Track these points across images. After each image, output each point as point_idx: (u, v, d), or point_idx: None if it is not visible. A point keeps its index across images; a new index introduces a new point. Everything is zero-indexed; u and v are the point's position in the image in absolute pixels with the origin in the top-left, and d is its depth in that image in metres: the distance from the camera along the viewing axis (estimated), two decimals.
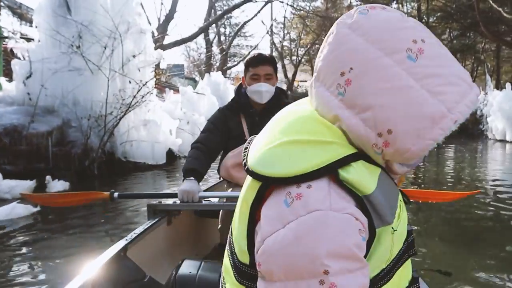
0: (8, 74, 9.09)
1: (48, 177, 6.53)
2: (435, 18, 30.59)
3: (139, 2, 9.27)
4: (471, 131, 22.96)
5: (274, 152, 0.73)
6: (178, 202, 2.25)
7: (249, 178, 0.79)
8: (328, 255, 0.65)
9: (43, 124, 7.39)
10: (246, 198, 0.77)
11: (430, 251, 3.85)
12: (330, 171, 0.69)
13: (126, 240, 1.92)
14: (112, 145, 8.37)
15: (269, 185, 0.72)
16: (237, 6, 23.84)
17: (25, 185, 6.13)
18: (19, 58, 8.76)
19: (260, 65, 2.37)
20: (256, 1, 23.60)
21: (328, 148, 0.71)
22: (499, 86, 25.77)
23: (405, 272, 0.85)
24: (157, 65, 11.28)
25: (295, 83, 30.95)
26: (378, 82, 0.69)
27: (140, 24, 8.97)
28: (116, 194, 2.42)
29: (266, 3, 24.96)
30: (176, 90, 13.56)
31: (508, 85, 18.70)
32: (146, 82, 8.44)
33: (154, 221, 2.21)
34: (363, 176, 0.70)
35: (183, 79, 25.32)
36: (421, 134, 0.69)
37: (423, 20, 30.13)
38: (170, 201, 2.33)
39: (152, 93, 8.81)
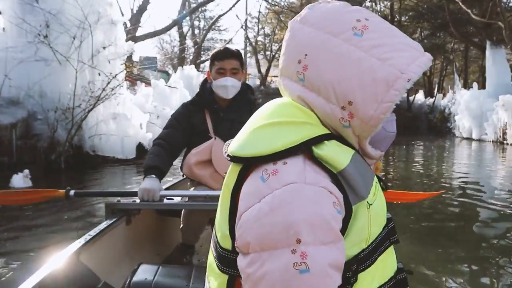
0: None
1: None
2: (407, 18, 31.16)
3: None
4: (439, 128, 23.61)
5: (253, 135, 0.78)
6: (138, 201, 2.16)
7: (231, 166, 0.83)
8: (302, 224, 0.67)
9: (6, 116, 7.11)
10: (228, 184, 0.81)
11: (396, 250, 3.91)
12: (304, 149, 0.74)
13: (80, 242, 1.80)
14: (80, 139, 8.15)
15: (249, 167, 0.76)
16: None
17: None
18: None
19: (226, 59, 2.30)
20: None
21: (303, 128, 0.76)
22: (467, 86, 26.54)
23: (389, 260, 0.87)
24: (129, 57, 11.04)
25: (269, 78, 30.91)
26: (330, 61, 0.75)
27: (111, 15, 8.73)
28: (72, 192, 2.30)
29: None
30: (148, 83, 13.34)
31: (475, 84, 19.27)
32: (116, 75, 8.24)
33: (111, 221, 2.10)
34: (336, 153, 0.75)
35: (155, 72, 24.93)
36: (379, 98, 0.73)
37: (396, 19, 30.68)
38: (129, 199, 2.23)
39: (122, 86, 8.61)
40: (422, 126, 28.43)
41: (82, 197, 2.34)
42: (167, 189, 2.72)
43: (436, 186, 7.45)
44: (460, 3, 19.54)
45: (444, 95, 28.21)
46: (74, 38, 7.87)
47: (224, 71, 2.29)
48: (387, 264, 0.86)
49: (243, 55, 2.49)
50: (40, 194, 2.41)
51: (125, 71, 9.14)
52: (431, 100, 30.16)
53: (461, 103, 18.62)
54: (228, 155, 0.80)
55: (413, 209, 5.65)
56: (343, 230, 0.73)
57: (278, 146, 0.73)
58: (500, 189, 6.91)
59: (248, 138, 0.78)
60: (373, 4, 31.84)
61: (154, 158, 2.25)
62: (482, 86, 20.36)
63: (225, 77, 2.28)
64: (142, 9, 19.33)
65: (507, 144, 14.93)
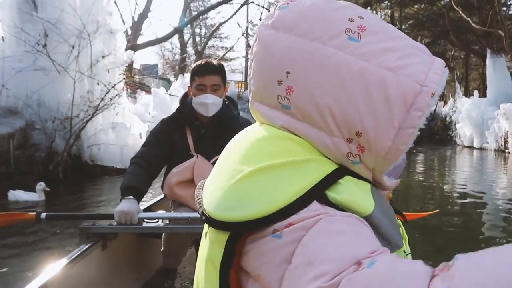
0: None
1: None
2: (407, 26, 31.28)
3: (110, 1, 9.01)
4: (441, 136, 23.53)
5: (240, 189, 0.56)
6: (115, 224, 2.03)
7: (210, 230, 0.60)
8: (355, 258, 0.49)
9: (4, 126, 7.07)
10: (211, 257, 0.59)
11: None
12: (316, 195, 0.55)
13: (51, 272, 1.63)
14: (79, 149, 8.09)
15: (241, 235, 0.55)
16: (212, 7, 23.69)
17: None
18: None
19: (207, 74, 2.16)
20: (232, 3, 23.50)
21: (306, 167, 0.57)
22: (468, 93, 26.52)
23: None
24: (129, 66, 11.02)
25: None
26: (324, 78, 0.56)
27: (110, 24, 8.71)
28: (43, 215, 2.15)
29: (242, 5, 24.88)
30: (148, 91, 13.32)
31: (476, 92, 19.24)
32: (115, 85, 8.19)
33: (86, 247, 1.95)
34: (356, 194, 0.57)
35: (157, 79, 24.96)
36: (397, 123, 0.55)
37: (396, 27, 30.82)
38: (105, 222, 2.10)
39: (121, 95, 8.57)
40: (423, 133, 28.17)
41: (55, 220, 2.18)
42: (146, 209, 2.58)
43: (438, 196, 7.38)
44: (460, 12, 19.57)
45: (446, 103, 28.16)
46: (73, 48, 7.85)
47: (204, 88, 2.16)
48: None
49: (225, 69, 2.34)
50: (9, 217, 2.26)
51: (124, 81, 9.10)
52: (433, 108, 30.09)
53: (462, 111, 18.56)
54: (207, 218, 0.58)
55: (414, 220, 5.59)
56: None
57: (282, 202, 0.54)
58: (503, 199, 6.83)
59: (233, 194, 0.57)
60: (374, 12, 32.02)
61: (131, 178, 2.12)
62: (483, 94, 20.34)
63: (205, 94, 2.15)
64: (143, 17, 19.41)
65: (509, 152, 14.85)
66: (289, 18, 0.60)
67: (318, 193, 0.55)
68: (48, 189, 5.99)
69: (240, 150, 0.62)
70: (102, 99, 7.95)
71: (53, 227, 4.72)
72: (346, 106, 0.56)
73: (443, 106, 27.51)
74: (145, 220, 2.08)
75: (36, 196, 6.02)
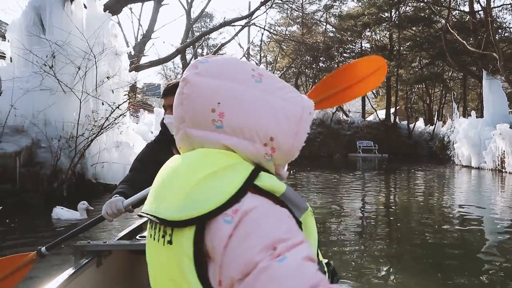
0: None
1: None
2: (405, 47, 31.74)
3: (115, 24, 9.32)
4: (439, 156, 23.68)
5: (197, 192, 0.76)
6: (109, 241, 2.06)
7: (174, 233, 0.77)
8: (275, 242, 0.71)
9: (11, 144, 7.26)
10: (180, 257, 0.75)
11: (399, 279, 3.97)
12: (250, 185, 0.79)
13: None
14: (83, 167, 8.27)
15: (204, 226, 0.74)
16: (214, 29, 24.11)
17: None
18: None
19: (165, 95, 2.21)
20: (233, 25, 23.95)
21: (238, 168, 0.81)
22: (466, 113, 26.76)
23: None
24: (132, 86, 11.28)
25: None
26: (245, 105, 0.84)
27: (115, 46, 9.00)
28: (43, 249, 2.01)
29: (243, 27, 25.34)
30: (151, 110, 13.54)
31: (473, 113, 19.48)
32: (119, 105, 8.42)
33: (81, 265, 1.99)
34: (273, 181, 0.82)
35: (159, 99, 25.19)
36: (294, 131, 0.86)
37: (394, 49, 31.22)
38: (100, 240, 2.14)
39: (125, 115, 8.79)
40: (422, 153, 28.53)
41: (56, 247, 2.10)
42: (138, 228, 2.58)
43: (436, 214, 7.50)
44: (456, 35, 19.97)
45: (444, 123, 28.43)
46: (79, 69, 8.09)
47: (165, 108, 2.24)
48: None
49: None
50: (7, 267, 2.05)
51: (128, 101, 9.33)
52: (431, 127, 30.37)
53: (460, 131, 18.77)
54: (168, 222, 0.76)
55: (412, 238, 5.70)
56: None
57: (230, 191, 0.75)
58: (500, 218, 6.96)
59: (192, 197, 0.76)
60: (373, 33, 32.50)
61: (118, 190, 2.16)
62: (481, 114, 20.58)
63: (167, 114, 2.20)
64: (146, 37, 19.77)
65: (506, 172, 14.99)
66: (212, 68, 0.87)
67: (250, 184, 0.79)
68: (91, 208, 6.08)
69: (182, 168, 0.84)
70: (107, 118, 8.17)
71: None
72: (263, 122, 0.84)
73: (442, 126, 27.77)
74: (138, 237, 2.15)
75: (78, 214, 6.12)
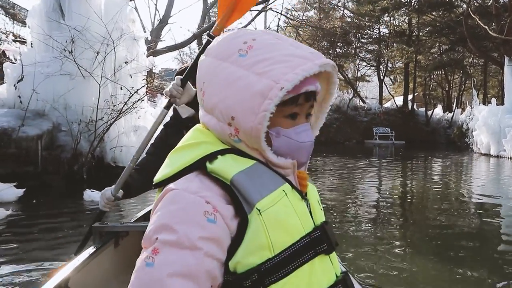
0: None
1: None
2: (425, 32, 31.11)
3: (133, 9, 9.36)
4: (457, 144, 23.36)
5: (165, 163, 0.88)
6: (126, 222, 2.17)
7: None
8: (164, 226, 0.75)
9: (33, 128, 7.44)
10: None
11: (415, 268, 3.99)
12: (199, 166, 0.81)
13: (69, 269, 1.77)
14: (102, 150, 8.43)
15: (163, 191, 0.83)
16: None
17: (12, 192, 6.20)
18: (11, 61, 8.81)
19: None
20: (250, 10, 23.77)
21: (199, 148, 0.84)
22: (486, 101, 26.25)
23: (320, 272, 0.86)
24: (150, 71, 11.36)
25: None
26: (217, 84, 0.83)
27: (133, 31, 9.06)
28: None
29: (260, 12, 25.15)
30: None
31: (493, 100, 19.11)
32: (137, 90, 8.52)
33: (99, 246, 2.08)
34: (226, 165, 0.80)
35: None
36: (256, 110, 0.79)
37: (414, 34, 30.65)
38: (117, 223, 2.24)
39: (143, 100, 8.89)
40: (440, 140, 28.18)
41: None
42: (148, 212, 2.63)
43: (453, 202, 7.46)
44: (477, 19, 19.49)
45: (463, 110, 27.95)
46: (97, 54, 8.19)
47: None
48: (316, 276, 0.85)
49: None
50: None
51: (145, 86, 9.42)
52: (450, 115, 29.91)
53: (479, 118, 18.46)
54: (154, 185, 0.87)
55: (428, 225, 5.70)
56: (239, 238, 0.78)
57: (176, 168, 0.82)
58: None
59: (164, 165, 0.87)
60: (391, 18, 31.92)
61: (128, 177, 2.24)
62: (502, 101, 20.18)
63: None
64: (163, 22, 19.81)
65: None
66: (212, 47, 0.89)
67: (200, 164, 0.81)
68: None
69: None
70: (125, 103, 8.28)
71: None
72: (226, 100, 0.82)
73: (461, 114, 27.32)
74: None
75: (13, 192, 6.34)
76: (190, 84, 1.99)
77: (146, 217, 2.67)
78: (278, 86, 0.78)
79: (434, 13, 29.38)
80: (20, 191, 6.27)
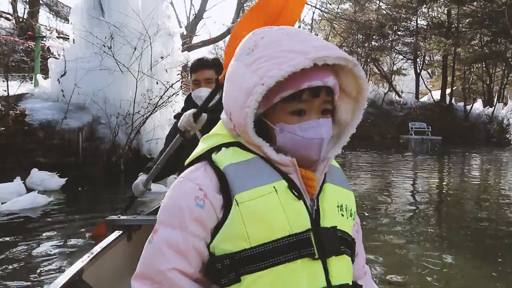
0: (44, 71, 9.58)
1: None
2: (465, 24, 30.04)
3: (169, 5, 9.61)
4: (498, 140, 22.57)
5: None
6: (138, 216, 2.26)
7: None
8: (164, 209, 0.88)
9: (75, 120, 7.82)
10: None
11: (452, 267, 3.93)
12: (208, 156, 0.88)
13: (82, 261, 1.80)
14: (138, 143, 8.75)
15: None
16: None
17: (55, 181, 6.56)
18: (55, 57, 9.26)
19: (200, 69, 2.29)
20: None
21: (211, 139, 0.92)
22: None
23: (304, 275, 0.84)
24: (185, 66, 11.63)
25: None
26: (229, 80, 0.89)
27: (169, 27, 9.31)
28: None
29: None
30: None
31: None
32: (172, 84, 8.77)
33: (113, 238, 2.11)
34: (225, 156, 0.87)
35: None
36: (242, 106, 0.83)
37: (453, 26, 29.66)
38: (130, 216, 2.33)
39: (178, 94, 9.14)
40: (479, 136, 27.27)
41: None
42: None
43: (492, 200, 7.28)
44: None
45: (505, 105, 26.89)
46: (135, 49, 8.48)
47: (198, 82, 2.29)
48: (295, 277, 0.84)
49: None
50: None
51: (180, 80, 9.67)
52: (490, 109, 28.84)
53: None
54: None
55: (465, 222, 5.58)
56: (222, 224, 0.84)
57: (193, 156, 0.92)
58: None
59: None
60: (429, 10, 31.00)
61: (146, 167, 2.43)
62: None
63: (199, 88, 2.28)
64: (198, 17, 20.09)
65: None
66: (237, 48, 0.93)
67: (208, 155, 0.89)
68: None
69: None
70: (161, 97, 8.54)
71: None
72: (227, 97, 0.88)
73: (502, 108, 26.31)
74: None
75: (163, 188, 6.42)
76: (204, 114, 2.08)
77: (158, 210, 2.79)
78: (261, 82, 0.81)
79: (474, 4, 28.31)
80: (63, 180, 6.63)
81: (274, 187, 0.86)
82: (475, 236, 4.92)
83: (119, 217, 2.31)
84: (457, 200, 7.45)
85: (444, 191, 8.48)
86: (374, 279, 3.33)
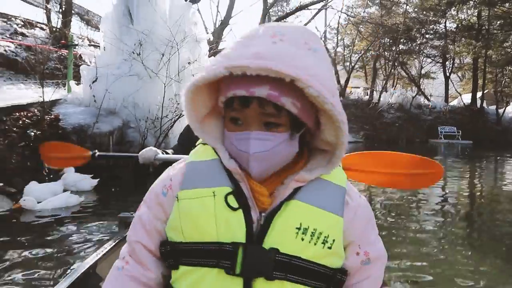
0: (77, 77, 9.95)
1: None
2: (496, 26, 29.30)
3: (196, 11, 9.82)
4: None
5: None
6: None
7: None
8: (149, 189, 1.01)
9: (106, 125, 8.09)
10: None
11: (481, 272, 3.88)
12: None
13: (96, 255, 1.87)
14: (166, 146, 8.93)
15: None
16: (291, 13, 24.16)
17: (88, 182, 6.82)
18: (87, 64, 9.60)
19: None
20: (310, 9, 23.81)
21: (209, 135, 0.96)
22: None
23: (209, 283, 0.83)
24: None
25: (348, 90, 30.70)
26: None
27: (196, 34, 9.52)
28: (97, 154, 2.67)
29: (320, 10, 25.08)
30: None
31: None
32: None
33: (125, 234, 2.15)
34: (195, 153, 0.97)
35: None
36: None
37: (483, 28, 28.96)
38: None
39: None
40: None
41: (105, 159, 2.78)
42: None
43: None
44: None
45: None
46: (163, 55, 8.71)
47: None
48: (203, 285, 0.84)
49: None
50: (65, 153, 2.70)
51: None
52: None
53: None
54: None
55: (496, 228, 5.47)
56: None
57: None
58: None
59: None
60: (458, 12, 30.38)
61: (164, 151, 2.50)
62: None
63: None
64: (224, 24, 20.37)
65: None
66: None
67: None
68: None
69: None
70: None
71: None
72: None
73: None
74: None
75: (89, 181, 6.91)
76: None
77: None
78: (194, 80, 0.84)
79: (506, 5, 27.58)
80: (95, 182, 6.89)
81: (213, 192, 0.85)
82: (507, 241, 4.82)
83: (132, 214, 2.38)
84: (488, 204, 7.29)
85: (474, 195, 8.30)
86: (401, 278, 3.39)
